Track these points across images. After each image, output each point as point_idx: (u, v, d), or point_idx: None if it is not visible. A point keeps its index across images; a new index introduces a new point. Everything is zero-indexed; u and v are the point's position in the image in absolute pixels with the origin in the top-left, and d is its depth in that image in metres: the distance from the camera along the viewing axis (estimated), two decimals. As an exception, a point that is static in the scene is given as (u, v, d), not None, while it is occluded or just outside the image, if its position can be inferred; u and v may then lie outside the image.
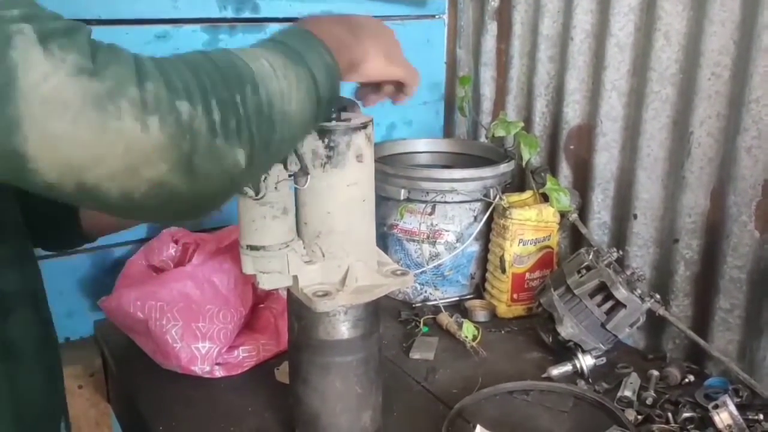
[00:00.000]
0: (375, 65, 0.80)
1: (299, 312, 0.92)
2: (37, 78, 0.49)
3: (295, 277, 0.87)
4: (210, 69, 0.58)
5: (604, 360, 1.17)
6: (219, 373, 1.15)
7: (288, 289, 0.91)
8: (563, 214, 1.38)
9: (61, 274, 1.30)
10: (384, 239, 1.44)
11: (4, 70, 0.49)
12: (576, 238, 1.47)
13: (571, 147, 1.46)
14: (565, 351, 1.18)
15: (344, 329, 0.91)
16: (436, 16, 1.71)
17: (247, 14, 1.42)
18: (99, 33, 1.30)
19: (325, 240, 0.87)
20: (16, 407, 0.73)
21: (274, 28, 1.45)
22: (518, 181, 1.54)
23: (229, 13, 1.40)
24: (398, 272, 0.93)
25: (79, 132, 0.51)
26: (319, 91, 0.68)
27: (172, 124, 0.53)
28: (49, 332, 0.83)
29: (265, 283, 0.87)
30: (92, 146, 0.51)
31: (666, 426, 1.02)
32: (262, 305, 1.26)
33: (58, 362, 0.84)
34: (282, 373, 1.14)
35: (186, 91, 0.54)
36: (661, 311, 1.19)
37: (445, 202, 1.38)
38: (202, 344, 1.12)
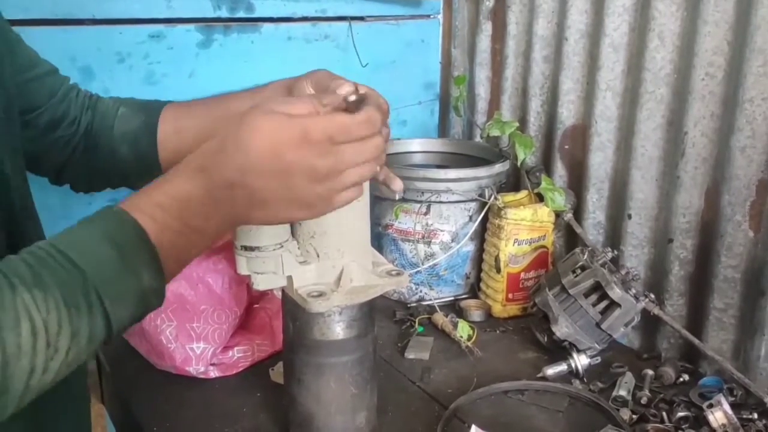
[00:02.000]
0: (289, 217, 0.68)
1: (294, 312, 0.91)
2: None
3: (290, 278, 0.87)
4: None
5: (599, 359, 1.17)
6: (214, 373, 1.15)
7: (283, 290, 0.90)
8: (558, 214, 1.39)
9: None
10: (379, 239, 1.44)
11: None
12: (571, 238, 1.47)
13: (566, 147, 1.46)
14: (560, 350, 1.19)
15: (339, 330, 0.91)
16: (431, 16, 1.71)
17: (241, 14, 1.42)
18: (93, 32, 1.29)
19: (320, 240, 0.87)
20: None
21: (268, 27, 1.45)
22: (513, 181, 1.54)
23: (223, 13, 1.40)
24: (393, 272, 0.93)
25: None
26: (113, 331, 0.58)
27: None
28: None
29: (260, 284, 0.87)
30: None
31: (661, 425, 1.02)
32: (256, 305, 1.25)
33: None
34: (277, 374, 1.13)
35: None
36: (656, 311, 1.19)
37: (440, 202, 1.38)
38: (197, 345, 1.12)
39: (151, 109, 1.07)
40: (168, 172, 0.65)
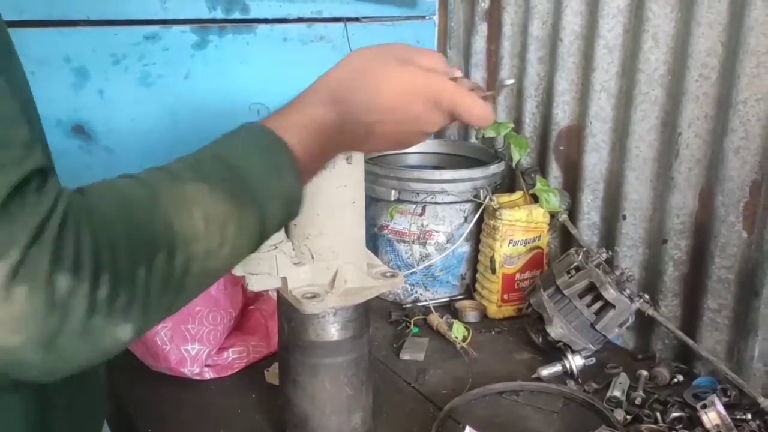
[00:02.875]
0: (382, 147, 0.73)
1: (289, 313, 0.92)
2: None
3: (284, 279, 0.87)
4: (119, 231, 0.50)
5: (593, 360, 1.17)
6: (209, 374, 1.15)
7: (277, 291, 0.90)
8: (553, 215, 1.39)
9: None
10: (374, 240, 1.44)
11: None
12: (566, 239, 1.47)
13: (561, 148, 1.46)
14: (555, 351, 1.19)
15: (334, 331, 0.91)
16: (427, 17, 1.71)
17: (236, 15, 1.42)
18: (88, 34, 1.29)
19: (315, 242, 0.87)
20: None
21: (263, 28, 1.45)
22: (508, 182, 1.55)
23: (218, 14, 1.40)
24: (388, 274, 0.93)
25: None
26: (264, 230, 0.61)
27: (41, 299, 0.46)
28: None
29: (254, 285, 0.87)
30: None
31: (654, 426, 1.02)
32: (252, 307, 1.26)
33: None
34: (272, 375, 1.13)
35: (75, 263, 0.47)
36: (650, 311, 1.19)
37: (436, 203, 1.39)
38: (192, 346, 1.12)
39: None
40: (297, 98, 0.68)
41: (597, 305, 1.17)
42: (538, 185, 1.38)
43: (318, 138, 0.66)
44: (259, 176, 0.60)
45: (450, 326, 1.29)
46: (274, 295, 0.97)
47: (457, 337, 1.26)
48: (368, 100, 0.67)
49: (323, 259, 0.88)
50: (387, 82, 0.67)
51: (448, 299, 1.44)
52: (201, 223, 0.54)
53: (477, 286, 1.43)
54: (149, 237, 0.51)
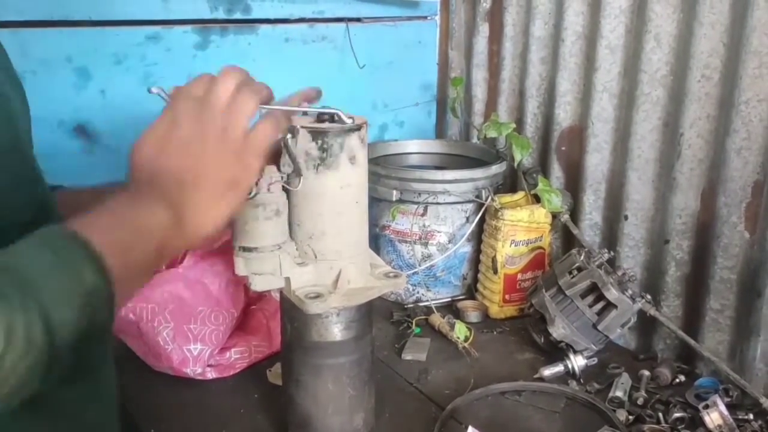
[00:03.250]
0: (210, 221, 0.66)
1: (292, 313, 0.92)
2: None
3: (288, 279, 0.87)
4: None
5: (595, 360, 1.17)
6: (211, 374, 1.15)
7: (281, 291, 0.91)
8: (555, 215, 1.39)
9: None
10: (376, 240, 1.44)
11: None
12: (568, 239, 1.48)
13: (563, 148, 1.46)
14: (557, 351, 1.19)
15: (337, 331, 0.91)
16: (429, 18, 1.71)
17: (238, 15, 1.42)
18: (89, 34, 1.29)
19: (318, 242, 0.87)
20: None
21: (265, 28, 1.45)
22: (510, 182, 1.55)
23: (220, 14, 1.40)
24: (390, 274, 0.93)
25: None
26: (52, 333, 0.49)
27: None
28: None
29: (258, 285, 0.87)
30: None
31: (657, 426, 1.02)
32: (254, 307, 1.25)
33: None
34: (274, 375, 1.13)
35: None
36: (652, 312, 1.19)
37: (437, 203, 1.39)
38: (194, 346, 1.12)
39: None
40: None
41: (599, 305, 1.17)
42: (540, 185, 1.38)
43: (109, 209, 0.60)
44: (36, 268, 0.51)
45: (452, 326, 1.29)
46: (275, 295, 0.97)
47: (458, 338, 1.26)
48: (143, 157, 0.65)
49: (326, 259, 0.88)
50: (143, 140, 0.66)
51: (449, 299, 1.44)
52: None
53: (479, 286, 1.43)
54: None
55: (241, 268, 0.87)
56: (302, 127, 0.84)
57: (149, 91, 0.72)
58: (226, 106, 0.67)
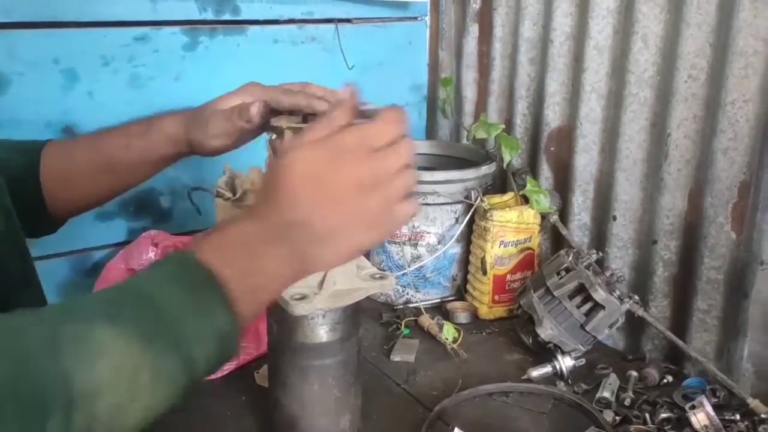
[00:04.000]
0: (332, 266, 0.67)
1: (278, 315, 0.92)
2: None
3: (273, 281, 0.86)
4: (4, 394, 0.42)
5: (583, 361, 1.18)
6: (198, 376, 1.14)
7: (266, 293, 0.90)
8: (544, 216, 1.39)
9: (40, 277, 1.29)
10: (365, 241, 1.44)
11: None
12: (557, 240, 1.48)
13: (552, 149, 1.46)
14: (545, 352, 1.19)
15: (323, 332, 0.91)
16: (418, 18, 1.71)
17: (227, 16, 1.42)
18: (76, 35, 1.29)
19: (303, 243, 0.87)
20: None
21: (254, 29, 1.45)
22: (499, 183, 1.55)
23: (209, 15, 1.39)
24: (377, 276, 0.93)
25: None
26: (195, 375, 0.54)
27: None
28: None
29: (242, 287, 0.87)
30: None
31: (643, 427, 1.02)
32: (242, 308, 1.25)
33: None
34: (262, 377, 1.13)
35: None
36: (640, 312, 1.19)
37: (427, 204, 1.39)
38: (182, 348, 1.12)
39: (30, 151, 0.99)
40: (223, 222, 0.65)
41: (587, 306, 1.17)
42: (529, 186, 1.38)
43: (242, 254, 0.59)
44: (179, 312, 0.53)
45: (441, 327, 1.29)
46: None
47: (447, 339, 1.26)
48: (284, 202, 0.60)
49: (311, 260, 0.88)
50: (288, 177, 0.60)
51: (439, 300, 1.44)
52: (108, 374, 0.47)
53: (468, 287, 1.43)
54: (43, 397, 0.43)
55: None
56: (287, 127, 0.84)
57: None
58: (394, 178, 0.63)
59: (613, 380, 1.13)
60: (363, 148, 0.62)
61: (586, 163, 1.38)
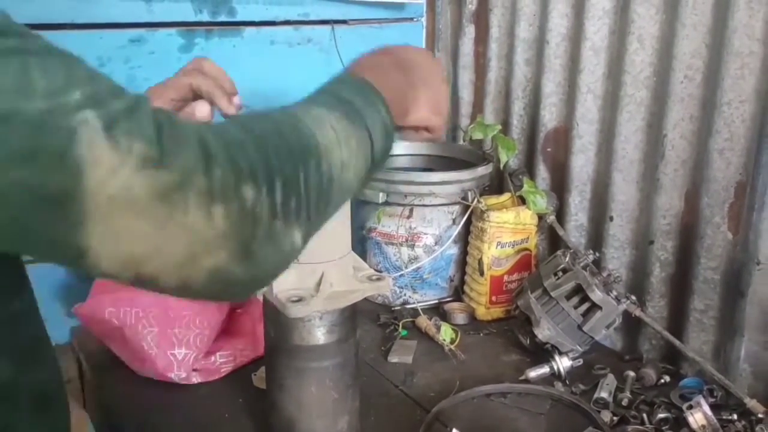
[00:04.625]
0: (422, 116, 0.80)
1: (275, 317, 0.91)
2: (104, 174, 0.45)
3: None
4: (276, 142, 0.55)
5: (580, 361, 1.18)
6: (196, 379, 1.14)
7: (263, 294, 0.90)
8: (541, 217, 1.39)
9: (35, 280, 1.28)
10: (363, 243, 1.44)
11: (71, 167, 0.45)
12: (554, 241, 1.48)
13: (548, 149, 1.47)
14: (543, 353, 1.19)
15: (320, 334, 0.91)
16: (415, 20, 1.71)
17: (223, 18, 1.41)
18: (72, 37, 1.28)
19: (300, 245, 0.87)
20: None
21: (250, 31, 1.45)
22: (496, 184, 1.55)
23: (205, 17, 1.39)
24: (374, 277, 0.93)
25: (144, 226, 0.48)
26: (374, 155, 0.66)
27: (236, 211, 0.50)
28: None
29: (239, 289, 0.87)
30: (155, 238, 0.48)
31: (641, 427, 1.02)
32: (239, 310, 1.25)
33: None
34: (259, 379, 1.13)
35: (251, 174, 0.51)
36: (637, 312, 1.20)
37: (424, 205, 1.39)
38: (179, 350, 1.12)
39: None
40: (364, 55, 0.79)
41: (584, 307, 1.18)
42: (526, 187, 1.38)
43: (384, 73, 0.73)
44: (362, 107, 0.66)
45: (438, 328, 1.29)
46: (261, 298, 0.97)
47: (445, 340, 1.26)
48: (399, 50, 0.80)
49: (308, 262, 0.88)
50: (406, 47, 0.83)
51: (436, 301, 1.44)
52: (333, 136, 0.60)
53: (465, 288, 1.43)
54: (299, 145, 0.57)
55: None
56: None
57: None
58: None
59: (610, 380, 1.13)
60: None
61: (582, 163, 1.38)
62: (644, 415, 1.05)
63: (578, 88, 1.35)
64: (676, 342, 1.18)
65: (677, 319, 1.24)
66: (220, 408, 1.09)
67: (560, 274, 1.20)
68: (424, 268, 1.42)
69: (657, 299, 1.26)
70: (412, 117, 0.78)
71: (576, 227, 1.41)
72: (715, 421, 1.00)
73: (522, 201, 1.39)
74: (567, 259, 1.21)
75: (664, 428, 1.02)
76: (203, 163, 0.49)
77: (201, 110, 0.92)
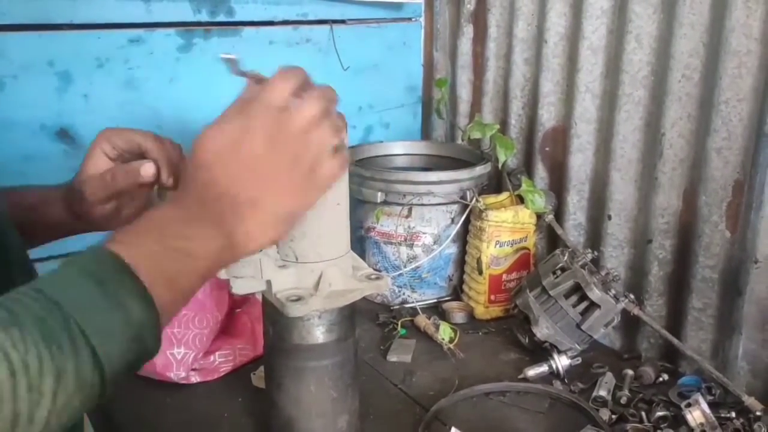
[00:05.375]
0: (259, 246, 0.64)
1: (274, 316, 0.91)
2: None
3: (269, 282, 0.86)
4: None
5: (579, 360, 1.18)
6: (195, 378, 1.14)
7: (262, 294, 0.90)
8: (539, 216, 1.39)
9: (34, 281, 1.29)
10: (361, 242, 1.44)
11: None
12: (552, 239, 1.48)
13: (547, 149, 1.47)
14: (542, 352, 1.19)
15: (319, 333, 0.91)
16: (413, 19, 1.72)
17: (221, 18, 1.42)
18: (71, 38, 1.28)
19: (299, 244, 0.87)
20: None
21: (249, 31, 1.45)
22: (495, 183, 1.55)
23: (203, 17, 1.39)
24: (373, 276, 0.93)
25: None
26: (102, 372, 0.50)
27: None
28: None
29: (238, 288, 0.87)
30: None
31: (639, 425, 1.03)
32: (239, 310, 1.25)
33: None
34: (259, 378, 1.13)
35: None
36: (636, 311, 1.20)
37: (422, 205, 1.39)
38: (178, 350, 1.12)
39: None
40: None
41: (582, 305, 1.18)
42: (524, 186, 1.38)
43: (160, 236, 0.58)
44: (84, 306, 0.50)
45: (437, 327, 1.29)
46: (260, 297, 0.97)
47: (444, 339, 1.26)
48: (200, 175, 0.61)
49: (307, 261, 0.87)
50: (201, 149, 0.62)
51: (435, 300, 1.45)
52: (7, 381, 0.45)
53: (464, 287, 1.44)
54: None
55: (221, 271, 0.86)
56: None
57: (221, 56, 0.68)
58: (304, 133, 0.63)
59: (609, 379, 1.13)
60: (268, 110, 0.62)
61: (581, 162, 1.38)
62: (643, 414, 1.05)
63: (576, 87, 1.35)
64: (675, 340, 1.19)
65: (675, 318, 1.24)
66: (219, 407, 1.09)
67: (559, 272, 1.20)
68: (422, 268, 1.42)
69: (655, 298, 1.26)
70: (257, 244, 0.64)
71: (574, 226, 1.42)
72: (714, 418, 1.00)
73: (520, 200, 1.40)
74: (565, 257, 1.21)
75: (662, 426, 1.03)
76: None
77: (147, 170, 0.80)
